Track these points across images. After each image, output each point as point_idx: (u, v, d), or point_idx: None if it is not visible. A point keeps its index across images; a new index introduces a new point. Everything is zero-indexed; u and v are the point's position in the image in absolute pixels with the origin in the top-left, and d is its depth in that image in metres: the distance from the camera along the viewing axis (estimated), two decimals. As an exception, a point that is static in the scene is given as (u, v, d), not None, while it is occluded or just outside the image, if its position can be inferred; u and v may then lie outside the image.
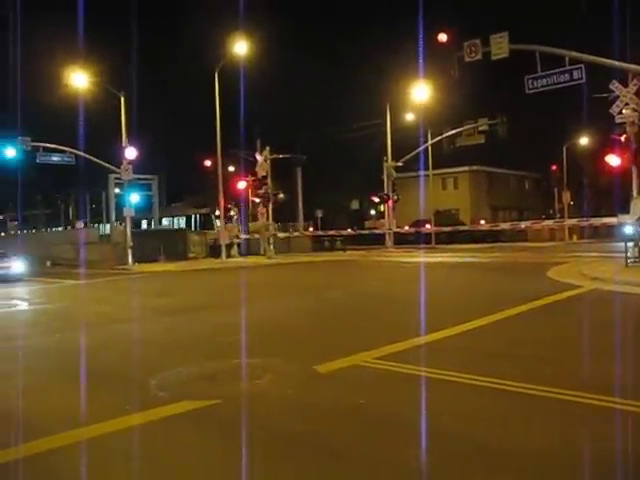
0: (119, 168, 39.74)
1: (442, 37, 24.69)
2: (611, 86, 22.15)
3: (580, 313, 13.65)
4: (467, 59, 24.18)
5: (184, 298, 20.41)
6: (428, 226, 52.18)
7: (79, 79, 38.09)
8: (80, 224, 58.74)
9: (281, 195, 56.90)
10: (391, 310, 15.07)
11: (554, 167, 61.48)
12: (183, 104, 78.40)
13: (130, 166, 39.19)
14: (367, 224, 65.23)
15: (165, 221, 63.74)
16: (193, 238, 47.07)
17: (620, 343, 9.75)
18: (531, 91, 23.55)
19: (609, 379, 7.46)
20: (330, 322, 13.60)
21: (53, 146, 40.57)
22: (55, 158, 41.19)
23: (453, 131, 46.82)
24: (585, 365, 8.44)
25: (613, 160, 24.26)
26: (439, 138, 48.13)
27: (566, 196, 59.38)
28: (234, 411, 6.96)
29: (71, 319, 16.55)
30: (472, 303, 15.53)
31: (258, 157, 43.19)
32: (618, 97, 21.88)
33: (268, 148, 43.79)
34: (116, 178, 43.91)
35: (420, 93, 44.46)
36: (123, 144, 39.13)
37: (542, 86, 23.25)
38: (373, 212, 74.67)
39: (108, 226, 51.96)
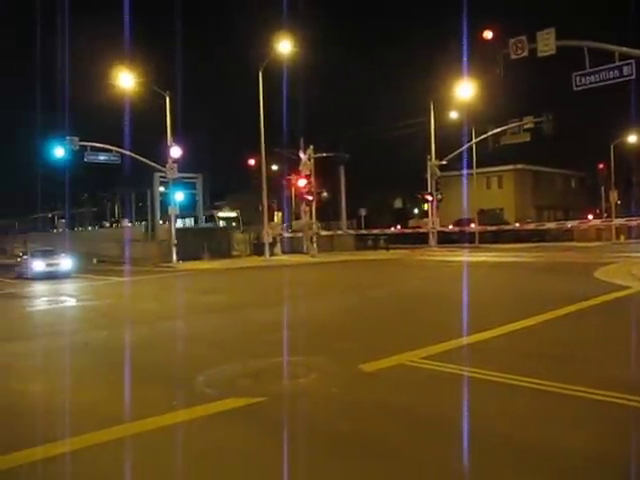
0: (164, 167, 40.24)
1: (487, 34, 24.42)
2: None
3: (628, 315, 13.36)
4: (513, 56, 23.89)
5: (228, 296, 20.54)
6: (472, 225, 51.74)
7: (125, 79, 38.64)
8: (125, 222, 59.54)
9: (324, 193, 57.00)
10: (436, 310, 14.96)
11: (601, 165, 60.34)
12: (227, 103, 78.93)
13: (175, 165, 39.66)
14: (410, 223, 64.89)
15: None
16: (237, 236, 47.35)
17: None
18: (579, 88, 23.14)
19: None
20: (374, 321, 13.55)
21: (100, 145, 41.22)
22: (102, 157, 41.83)
23: (498, 129, 46.28)
24: (632, 368, 8.29)
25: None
26: (484, 136, 47.62)
27: (613, 195, 58.27)
28: (279, 409, 6.99)
29: (117, 316, 16.78)
30: (518, 303, 15.35)
31: (302, 156, 43.24)
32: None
33: (312, 147, 43.81)
34: (161, 177, 44.38)
35: (464, 91, 44.00)
36: (168, 143, 39.59)
37: (591, 83, 22.82)
38: (416, 211, 74.26)
39: (153, 224, 52.44)
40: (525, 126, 45.08)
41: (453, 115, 51.08)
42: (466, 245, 46.73)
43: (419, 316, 14.06)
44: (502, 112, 47.15)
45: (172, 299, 21.06)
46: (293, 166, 46.42)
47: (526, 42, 23.68)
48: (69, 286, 26.20)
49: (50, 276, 29.77)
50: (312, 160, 43.16)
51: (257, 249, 44.21)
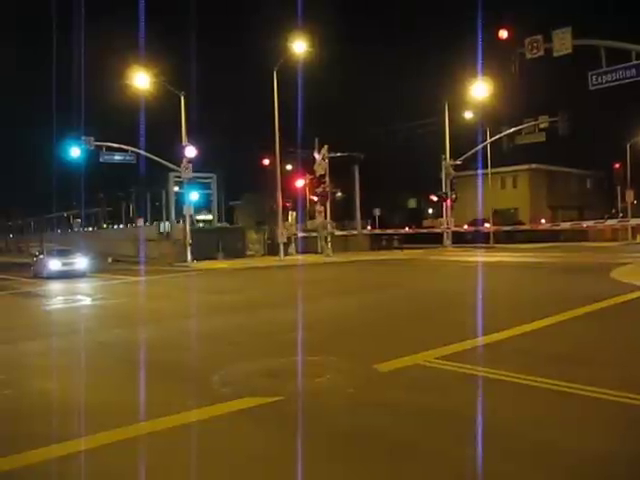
0: (179, 167, 40.36)
1: (503, 34, 24.37)
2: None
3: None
4: (529, 56, 23.82)
5: (244, 295, 20.56)
6: (487, 225, 51.56)
7: (140, 79, 38.74)
8: (140, 222, 59.77)
9: (339, 194, 56.99)
10: (451, 310, 14.91)
11: (617, 165, 59.96)
12: (242, 103, 79.07)
13: (190, 165, 39.77)
14: (425, 223, 64.79)
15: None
16: (251, 236, 47.46)
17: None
18: (595, 87, 23.02)
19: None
20: (390, 321, 13.53)
21: (116, 145, 41.46)
22: (117, 157, 42.06)
23: (513, 129, 46.11)
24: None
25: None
26: (499, 136, 47.47)
27: (629, 195, 57.86)
28: (296, 408, 6.98)
29: (132, 315, 16.85)
30: (534, 303, 15.26)
31: (316, 156, 43.27)
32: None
33: (326, 146, 43.80)
34: (176, 176, 44.58)
35: (479, 91, 43.81)
36: (183, 143, 39.70)
37: (607, 82, 22.69)
38: (431, 211, 74.09)
39: (168, 224, 52.67)
40: (540, 126, 44.88)
41: (468, 115, 50.93)
42: (480, 245, 46.59)
43: (434, 316, 14.02)
44: (517, 112, 47.01)
45: (187, 298, 21.10)
46: (308, 166, 46.46)
47: (542, 41, 23.59)
48: (85, 285, 26.34)
49: (66, 275, 29.93)
50: (327, 160, 43.14)
51: (271, 249, 44.30)
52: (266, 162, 55.34)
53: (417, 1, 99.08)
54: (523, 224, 54.00)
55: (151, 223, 59.89)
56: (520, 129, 45.72)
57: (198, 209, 48.13)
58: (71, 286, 25.66)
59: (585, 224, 50.27)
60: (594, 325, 11.89)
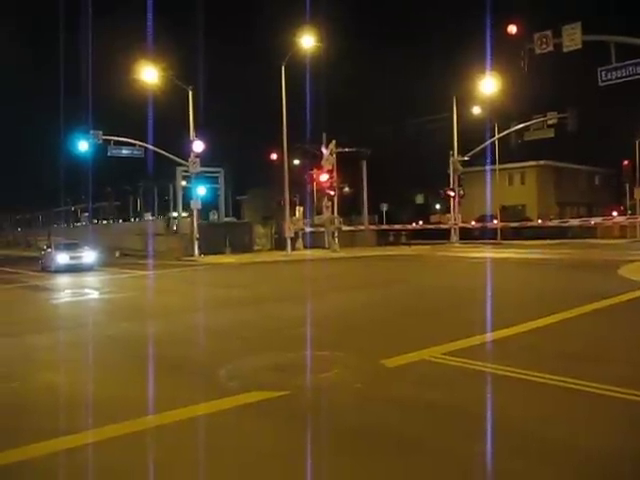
0: (186, 161, 40.40)
1: (512, 29, 24.25)
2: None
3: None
4: (538, 51, 23.71)
5: (251, 290, 20.58)
6: (495, 221, 51.45)
7: (148, 73, 38.76)
8: (148, 216, 59.87)
9: (346, 189, 56.90)
10: (459, 306, 14.88)
11: (626, 162, 59.67)
12: (250, 97, 78.91)
13: (197, 159, 39.83)
14: (432, 218, 64.65)
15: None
16: (258, 230, 47.50)
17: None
18: (605, 83, 22.89)
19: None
20: (397, 317, 13.51)
21: (123, 139, 41.52)
22: (125, 151, 42.13)
23: (522, 125, 45.90)
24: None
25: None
26: (507, 132, 47.29)
27: (638, 192, 57.57)
28: (303, 403, 7.00)
29: (140, 309, 16.88)
30: (541, 300, 15.22)
31: (324, 151, 43.25)
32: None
33: (334, 141, 43.75)
34: (184, 171, 44.61)
35: (487, 86, 43.60)
36: (191, 137, 39.76)
37: (617, 78, 22.55)
38: (438, 206, 73.90)
39: (175, 215, 52.73)
40: (549, 122, 44.65)
41: (476, 111, 50.71)
42: (488, 242, 46.49)
43: (442, 312, 14.00)
44: (526, 107, 46.78)
45: (195, 293, 21.14)
46: (315, 161, 46.42)
47: (551, 37, 23.48)
48: (92, 279, 26.41)
49: (74, 269, 30.01)
50: (334, 155, 43.13)
51: (278, 243, 44.32)
52: (273, 157, 55.25)
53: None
54: (531, 220, 53.85)
55: (159, 217, 59.95)
56: (528, 125, 45.46)
57: (206, 204, 48.07)
58: (79, 280, 25.73)
59: (593, 221, 50.07)
60: (602, 322, 11.86)
